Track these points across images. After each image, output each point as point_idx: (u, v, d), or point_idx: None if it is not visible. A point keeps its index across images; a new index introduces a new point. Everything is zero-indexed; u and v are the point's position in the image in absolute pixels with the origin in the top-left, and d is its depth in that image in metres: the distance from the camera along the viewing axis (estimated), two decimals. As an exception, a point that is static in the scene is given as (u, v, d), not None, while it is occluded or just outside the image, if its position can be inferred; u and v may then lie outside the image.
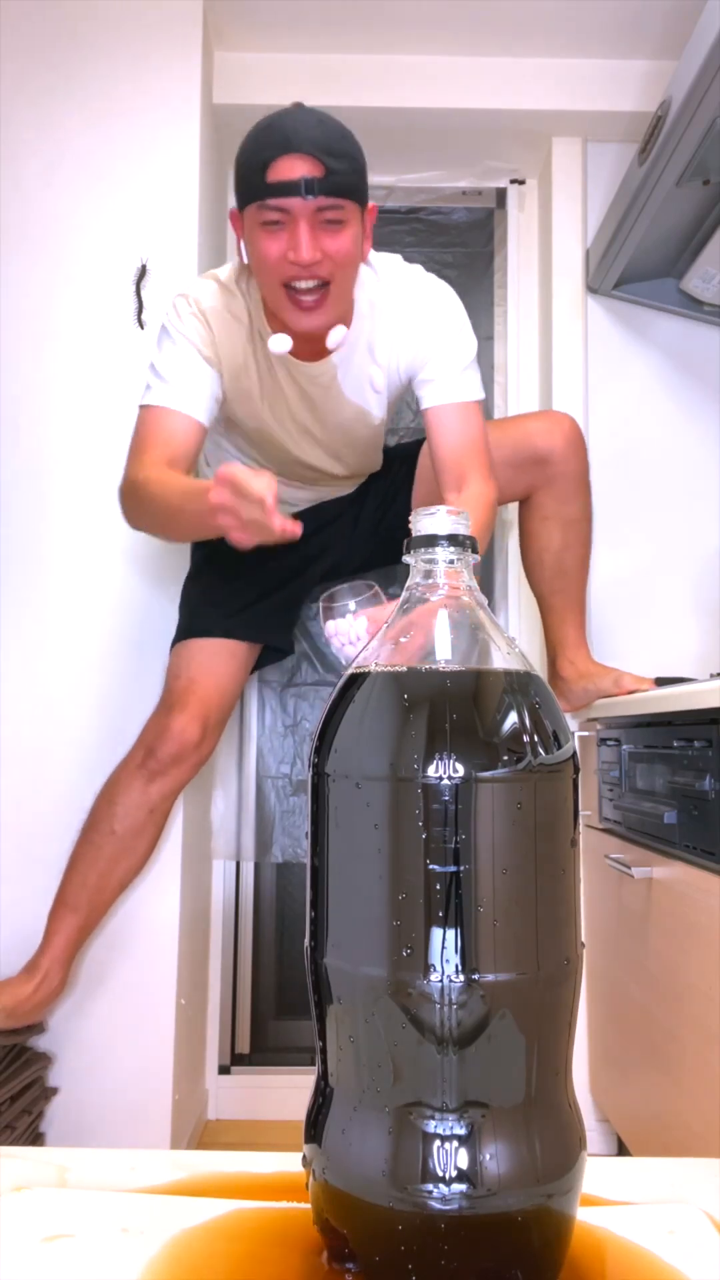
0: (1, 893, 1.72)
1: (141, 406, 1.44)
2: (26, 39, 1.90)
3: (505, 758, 0.39)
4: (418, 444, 1.75)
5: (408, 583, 0.46)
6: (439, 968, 0.38)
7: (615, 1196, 0.48)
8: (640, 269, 2.05)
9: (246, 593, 1.70)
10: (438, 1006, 0.38)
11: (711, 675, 1.72)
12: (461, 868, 0.38)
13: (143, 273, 1.86)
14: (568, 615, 1.78)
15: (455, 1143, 0.38)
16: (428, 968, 0.38)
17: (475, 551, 0.46)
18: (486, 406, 2.24)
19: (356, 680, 0.43)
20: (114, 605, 1.83)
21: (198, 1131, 1.95)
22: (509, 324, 2.27)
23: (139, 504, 1.37)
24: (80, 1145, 1.62)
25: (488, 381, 2.28)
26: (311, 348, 1.46)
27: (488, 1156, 0.38)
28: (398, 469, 1.76)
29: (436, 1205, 0.37)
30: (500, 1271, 0.38)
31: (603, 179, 2.15)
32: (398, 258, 1.52)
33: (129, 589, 1.84)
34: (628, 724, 1.56)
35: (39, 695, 1.79)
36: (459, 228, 2.32)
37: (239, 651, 1.70)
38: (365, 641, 1.23)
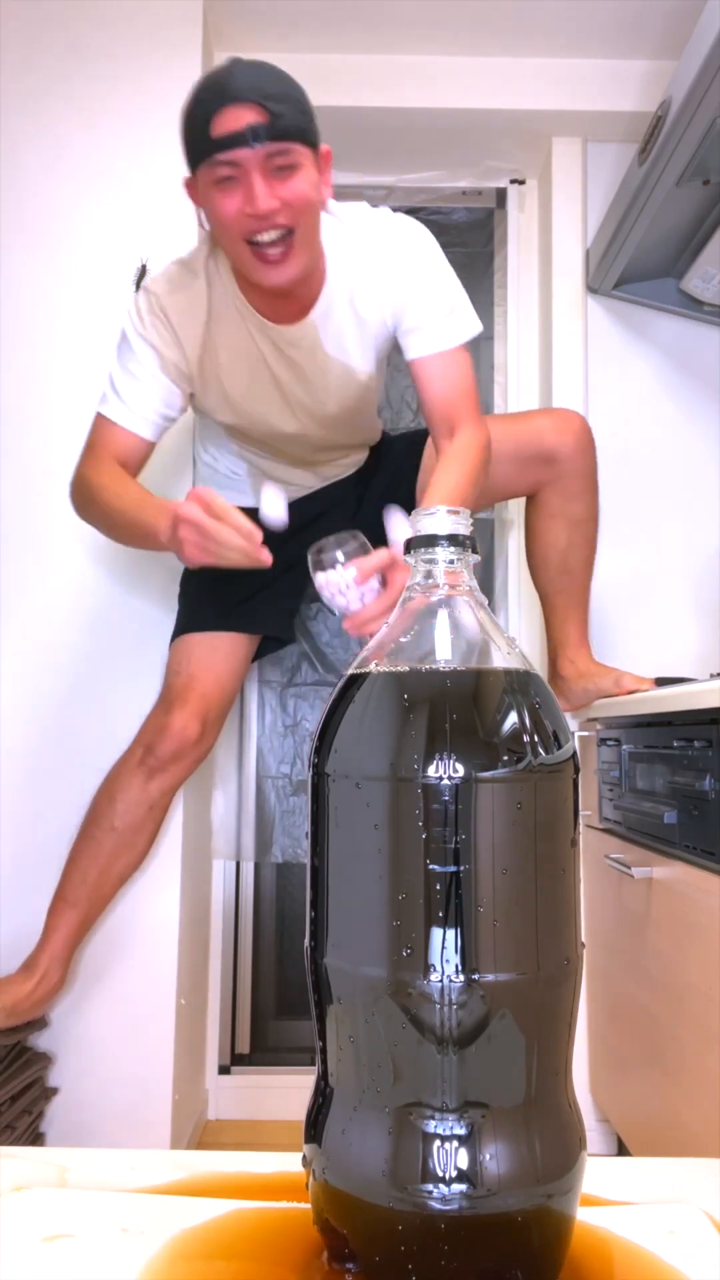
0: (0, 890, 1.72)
1: (97, 412, 1.47)
2: (26, 39, 1.90)
3: (505, 758, 0.39)
4: (423, 433, 1.73)
5: (408, 582, 0.46)
6: (439, 968, 0.38)
7: (615, 1196, 0.48)
8: (640, 269, 2.05)
9: (246, 584, 1.67)
10: (438, 1006, 0.38)
11: (711, 675, 1.72)
12: (461, 868, 0.38)
13: (142, 273, 1.86)
14: (570, 614, 1.77)
15: (455, 1143, 0.38)
16: (428, 968, 0.38)
17: (475, 551, 0.46)
18: (486, 405, 2.25)
19: (356, 680, 0.43)
20: (113, 602, 1.83)
21: (198, 1131, 1.95)
22: (509, 324, 2.27)
23: (90, 500, 1.43)
24: (80, 1145, 1.62)
25: (488, 381, 2.28)
26: (288, 309, 1.43)
27: (488, 1156, 0.38)
28: (402, 457, 1.74)
29: (436, 1205, 0.37)
30: (500, 1271, 0.38)
31: (603, 179, 2.15)
32: (363, 203, 1.48)
33: (128, 586, 1.83)
34: (628, 724, 1.56)
35: (37, 693, 1.80)
36: (459, 228, 2.32)
37: (239, 644, 1.69)
38: (354, 590, 1.27)
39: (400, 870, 0.39)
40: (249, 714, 2.19)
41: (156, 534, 1.29)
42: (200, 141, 1.27)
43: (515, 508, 2.13)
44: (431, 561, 0.45)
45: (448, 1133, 0.38)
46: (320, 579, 1.30)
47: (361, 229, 1.45)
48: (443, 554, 0.45)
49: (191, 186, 1.36)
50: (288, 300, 1.42)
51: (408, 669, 0.42)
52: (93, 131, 1.90)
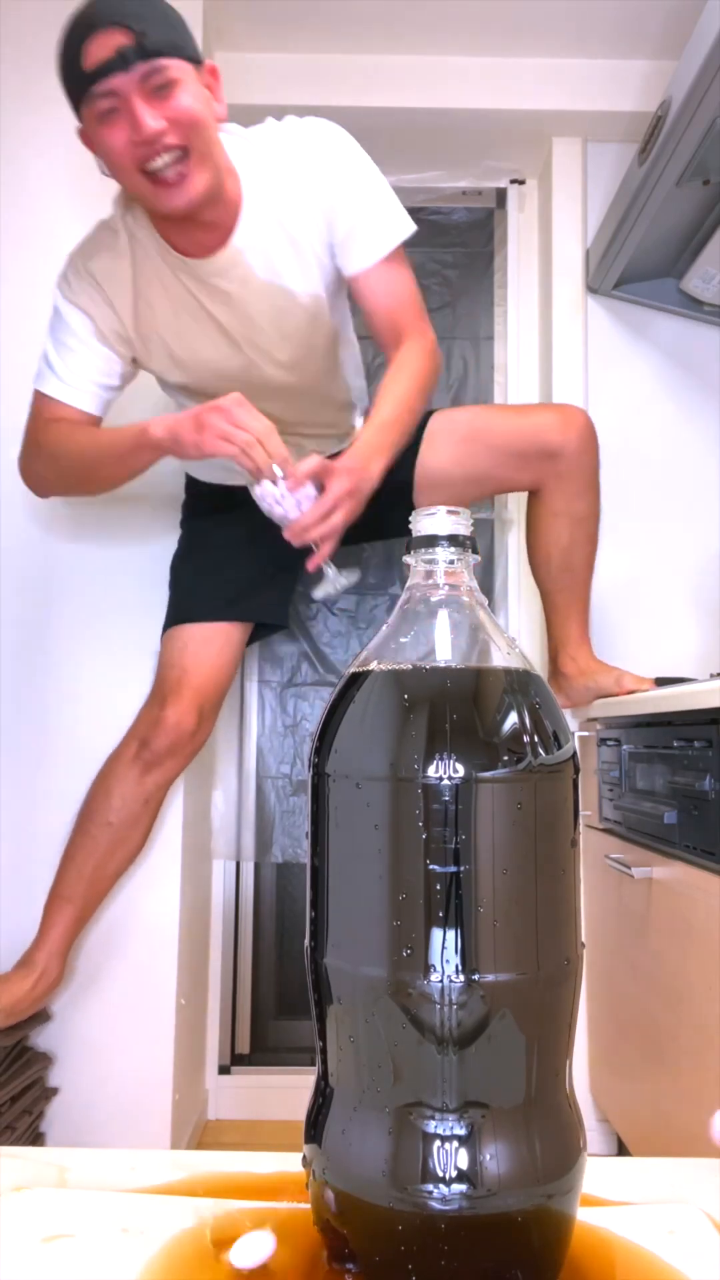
0: None
1: (34, 390, 1.46)
2: (27, 38, 1.90)
3: (505, 758, 0.39)
4: (425, 415, 1.67)
5: (408, 583, 0.46)
6: (439, 968, 0.38)
7: (615, 1196, 0.48)
8: (640, 269, 2.05)
9: (239, 569, 1.65)
10: (438, 1007, 0.38)
11: (711, 675, 1.72)
12: (462, 868, 0.38)
13: None
14: (571, 612, 1.76)
15: (455, 1143, 0.38)
16: (428, 968, 0.38)
17: (475, 551, 0.45)
18: (485, 402, 2.24)
19: (357, 680, 0.43)
20: (111, 599, 1.83)
21: (198, 1131, 1.95)
22: (509, 324, 2.27)
23: (50, 456, 1.43)
24: (80, 1145, 1.62)
25: (488, 381, 2.28)
26: (209, 239, 1.39)
27: (488, 1157, 0.38)
28: None
29: (436, 1205, 0.37)
30: (500, 1272, 0.38)
31: (603, 179, 2.15)
32: (269, 118, 1.45)
33: (125, 582, 1.83)
34: (628, 724, 1.56)
35: (31, 686, 1.80)
36: (459, 228, 2.32)
37: (234, 633, 1.66)
38: (289, 499, 1.30)
39: (400, 870, 0.39)
40: (249, 714, 2.19)
41: (140, 437, 1.30)
42: (76, 79, 1.25)
43: (515, 507, 2.13)
44: (431, 561, 0.45)
45: (448, 1133, 0.38)
46: (257, 491, 1.32)
47: (273, 142, 1.41)
48: (443, 554, 0.45)
49: (86, 136, 1.32)
50: (205, 230, 1.38)
51: (408, 669, 0.42)
52: (93, 131, 1.89)
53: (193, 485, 1.76)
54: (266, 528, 1.38)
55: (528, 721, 0.40)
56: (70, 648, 1.81)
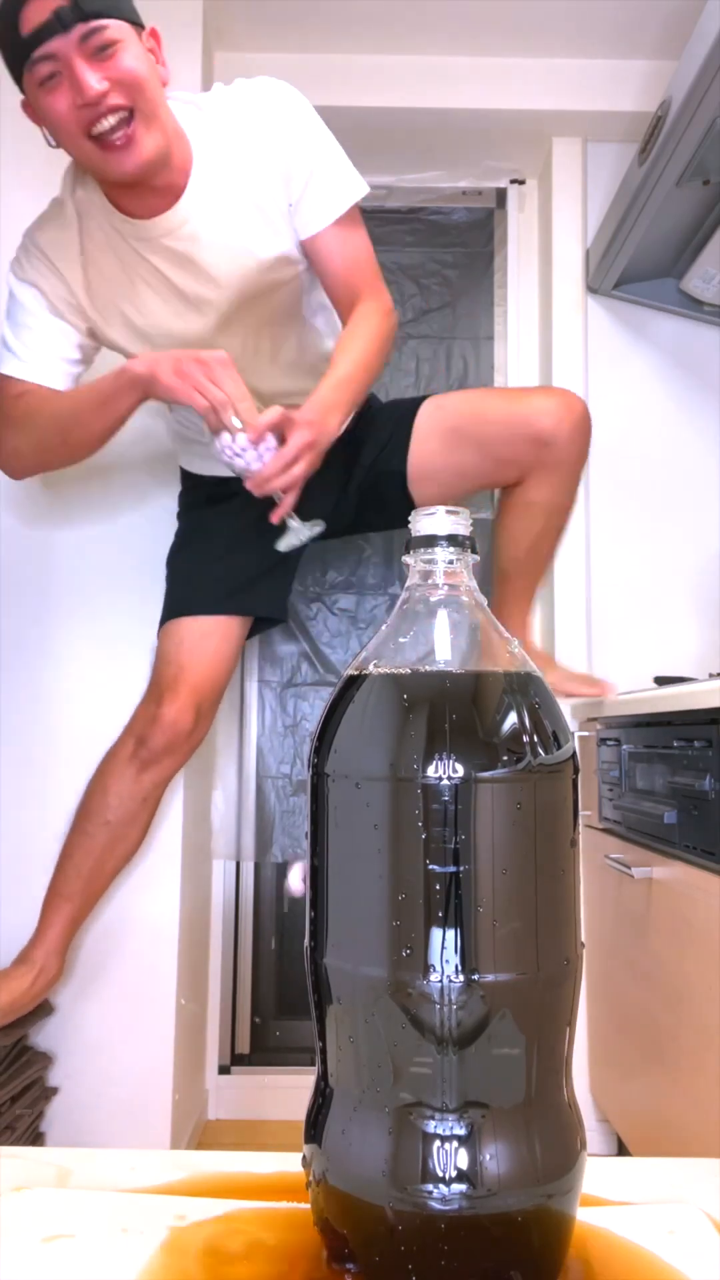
0: None
1: None
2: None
3: (505, 758, 0.39)
4: (415, 402, 1.65)
5: (407, 583, 0.45)
6: (439, 968, 0.38)
7: (615, 1196, 0.48)
8: (640, 269, 2.05)
9: (236, 561, 1.62)
10: (437, 1007, 0.38)
11: (711, 675, 1.72)
12: (461, 868, 0.38)
13: None
14: (525, 595, 1.74)
15: (455, 1143, 0.38)
16: (427, 968, 0.38)
17: (474, 551, 0.45)
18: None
19: (356, 680, 0.43)
20: (110, 597, 1.83)
21: (198, 1131, 1.95)
22: (509, 324, 2.27)
23: (24, 428, 1.41)
24: (80, 1145, 1.62)
25: (488, 381, 2.28)
26: (160, 202, 1.38)
27: (488, 1157, 0.38)
28: (393, 425, 1.65)
29: (436, 1205, 0.37)
30: (500, 1272, 0.38)
31: (603, 179, 2.15)
32: (218, 83, 1.45)
33: (123, 581, 1.83)
34: (628, 724, 1.56)
35: (29, 683, 1.80)
36: (459, 228, 2.32)
37: (232, 628, 1.63)
38: (251, 451, 1.30)
39: (400, 870, 0.39)
40: (249, 714, 2.19)
41: (120, 375, 1.30)
42: (15, 47, 1.24)
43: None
44: (431, 562, 0.45)
45: (448, 1133, 0.38)
46: (218, 444, 1.32)
47: (224, 105, 1.41)
48: (442, 554, 0.45)
49: (29, 107, 1.31)
50: (157, 194, 1.37)
51: (407, 669, 0.42)
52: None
53: (188, 477, 1.76)
54: (264, 520, 1.37)
55: (527, 721, 0.40)
56: (67, 643, 1.81)
